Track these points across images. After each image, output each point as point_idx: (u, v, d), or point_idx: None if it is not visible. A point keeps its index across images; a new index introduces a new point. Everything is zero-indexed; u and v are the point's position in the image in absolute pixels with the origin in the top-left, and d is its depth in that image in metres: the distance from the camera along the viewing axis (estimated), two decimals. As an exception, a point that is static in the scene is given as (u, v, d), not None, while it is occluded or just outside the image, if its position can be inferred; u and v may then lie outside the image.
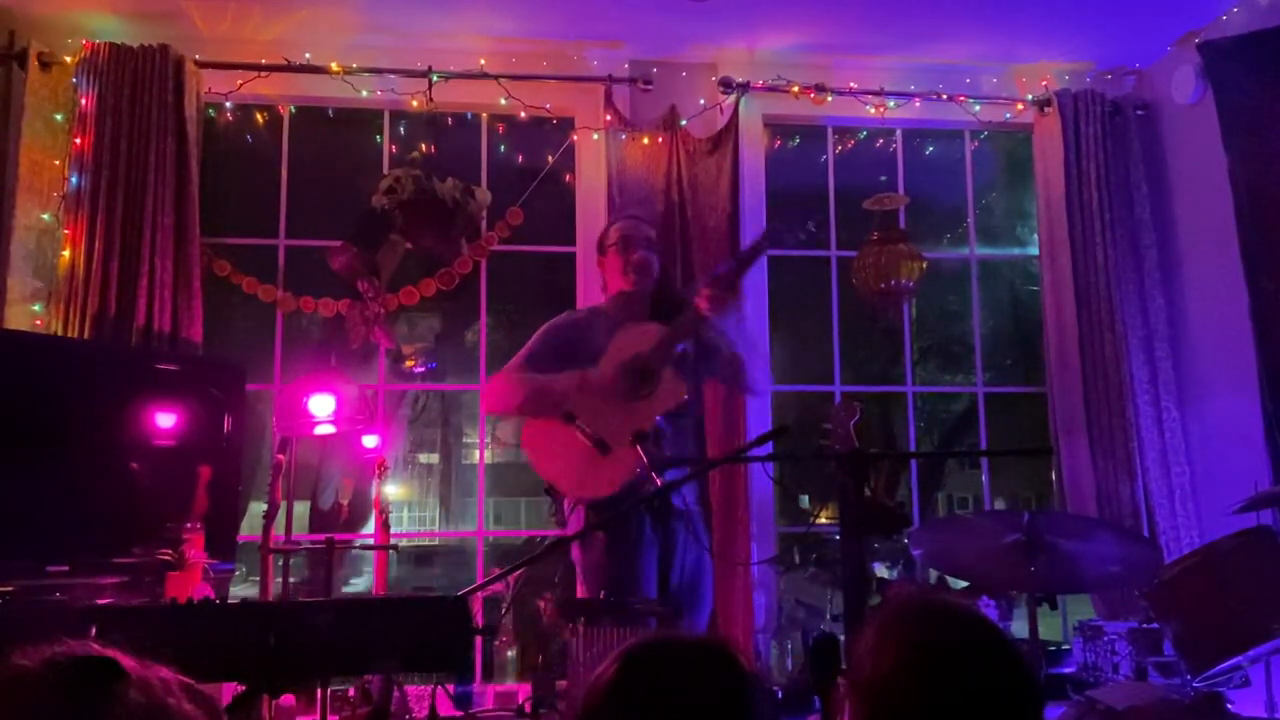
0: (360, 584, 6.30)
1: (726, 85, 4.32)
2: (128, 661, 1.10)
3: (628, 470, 2.92)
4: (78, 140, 3.88)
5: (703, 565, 3.14)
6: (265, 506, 3.40)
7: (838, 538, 3.45)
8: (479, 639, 3.63)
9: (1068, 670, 3.50)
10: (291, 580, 3.56)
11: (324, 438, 3.79)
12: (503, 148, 4.46)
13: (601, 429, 2.99)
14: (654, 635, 1.35)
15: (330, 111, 4.39)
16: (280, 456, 3.49)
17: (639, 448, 2.82)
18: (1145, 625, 3.26)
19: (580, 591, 3.13)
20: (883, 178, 4.70)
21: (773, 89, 4.35)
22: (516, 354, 3.26)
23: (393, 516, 3.62)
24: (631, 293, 3.25)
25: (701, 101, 4.38)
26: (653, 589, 2.90)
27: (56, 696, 1.05)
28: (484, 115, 4.41)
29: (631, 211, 3.64)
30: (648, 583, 2.93)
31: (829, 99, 4.38)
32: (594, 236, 4.23)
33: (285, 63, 4.10)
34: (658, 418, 2.97)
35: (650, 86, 4.34)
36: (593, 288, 4.23)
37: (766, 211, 4.42)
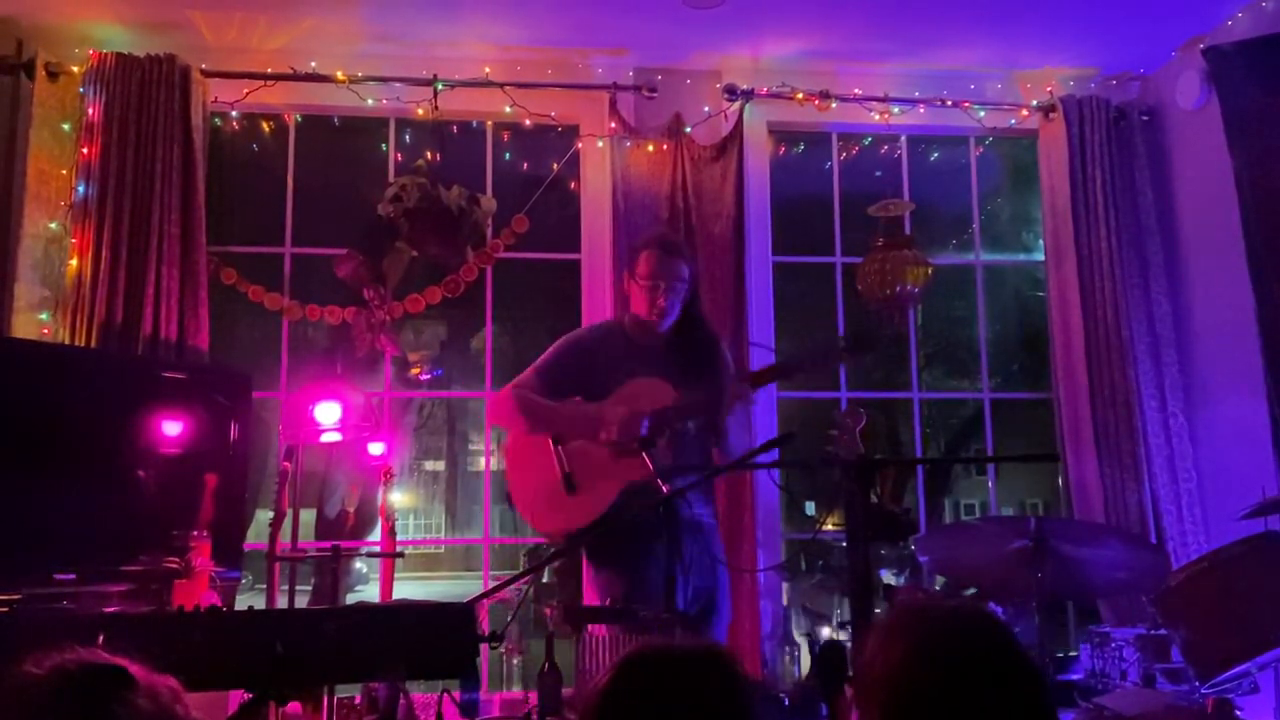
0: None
1: (731, 92, 4.33)
2: (136, 669, 1.11)
3: (584, 516, 2.89)
4: (85, 149, 3.89)
5: (719, 581, 3.11)
6: (271, 514, 3.41)
7: (844, 544, 3.45)
8: (485, 646, 3.62)
9: (1075, 677, 3.48)
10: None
11: (330, 445, 3.80)
12: (508, 155, 4.47)
13: (578, 466, 2.94)
14: (652, 643, 1.35)
15: (336, 120, 4.40)
16: (286, 464, 3.49)
17: (645, 455, 2.81)
18: (1153, 632, 3.24)
19: (587, 600, 3.12)
20: (878, 173, 4.69)
21: (777, 96, 4.36)
22: (530, 366, 3.16)
23: (399, 524, 3.62)
24: (653, 322, 3.12)
25: (706, 109, 4.38)
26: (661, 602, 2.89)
27: (66, 703, 1.06)
28: (489, 123, 4.41)
29: (667, 237, 3.30)
30: (656, 596, 2.90)
31: (833, 105, 4.38)
32: (599, 243, 4.26)
33: (291, 72, 4.12)
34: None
35: (655, 94, 4.34)
36: (597, 294, 4.24)
37: (771, 218, 4.43)
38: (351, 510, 4.03)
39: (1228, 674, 2.85)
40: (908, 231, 4.43)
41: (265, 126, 4.35)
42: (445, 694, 3.25)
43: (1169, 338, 4.31)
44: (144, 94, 3.93)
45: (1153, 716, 2.77)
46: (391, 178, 4.24)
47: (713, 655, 1.31)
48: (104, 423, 3.26)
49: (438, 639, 2.13)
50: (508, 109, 4.25)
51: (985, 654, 1.25)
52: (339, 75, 4.14)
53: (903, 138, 4.65)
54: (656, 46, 4.30)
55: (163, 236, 3.85)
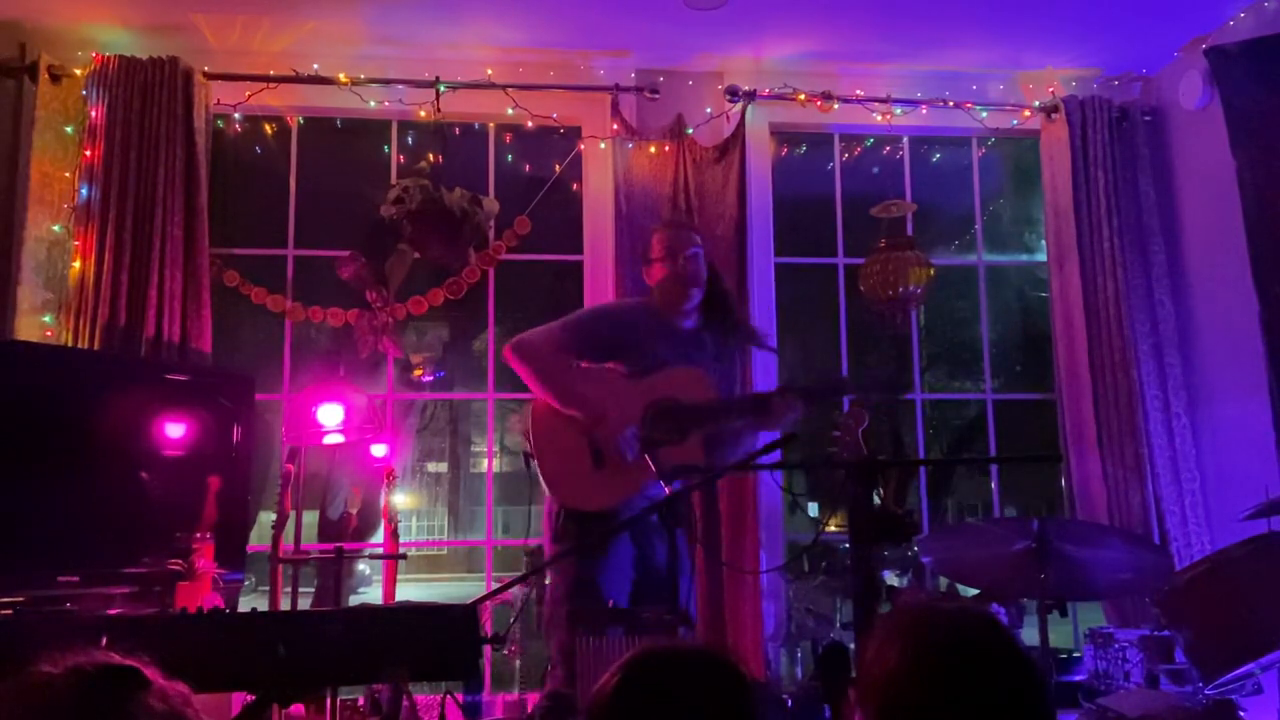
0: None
1: (733, 94, 4.33)
2: (149, 671, 1.12)
3: (620, 491, 2.90)
4: (88, 152, 3.90)
5: (680, 568, 3.09)
6: (274, 516, 3.41)
7: (847, 546, 3.44)
8: (488, 648, 3.62)
9: (1079, 678, 3.48)
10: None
11: (333, 447, 3.80)
12: (510, 157, 4.47)
13: (607, 443, 2.95)
14: (655, 644, 1.35)
15: (338, 122, 4.41)
16: (289, 466, 3.50)
17: (646, 456, 2.81)
18: (1156, 633, 3.24)
19: (550, 586, 3.07)
20: (878, 171, 4.69)
21: (779, 97, 4.35)
22: (559, 322, 3.13)
23: (401, 525, 3.62)
24: (683, 295, 3.16)
25: (708, 110, 4.38)
26: (623, 596, 2.88)
27: (81, 703, 1.07)
28: (491, 125, 4.42)
29: (673, 217, 3.53)
30: (618, 589, 2.90)
31: (835, 106, 4.38)
32: (601, 245, 4.26)
33: (293, 74, 4.12)
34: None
35: (657, 95, 4.34)
36: (600, 296, 4.24)
37: (774, 219, 4.43)
38: (354, 512, 4.03)
39: (1231, 675, 2.84)
40: (910, 232, 4.43)
41: (268, 129, 4.35)
42: (448, 696, 3.26)
43: (1172, 338, 4.30)
44: (147, 96, 3.94)
45: (1156, 717, 2.77)
46: (394, 179, 4.24)
47: (716, 656, 1.32)
48: (107, 425, 3.25)
49: (441, 641, 2.14)
50: (510, 111, 4.25)
51: (983, 656, 1.25)
52: (341, 77, 4.14)
53: (905, 139, 4.65)
54: (658, 48, 4.31)
55: (165, 239, 3.85)
